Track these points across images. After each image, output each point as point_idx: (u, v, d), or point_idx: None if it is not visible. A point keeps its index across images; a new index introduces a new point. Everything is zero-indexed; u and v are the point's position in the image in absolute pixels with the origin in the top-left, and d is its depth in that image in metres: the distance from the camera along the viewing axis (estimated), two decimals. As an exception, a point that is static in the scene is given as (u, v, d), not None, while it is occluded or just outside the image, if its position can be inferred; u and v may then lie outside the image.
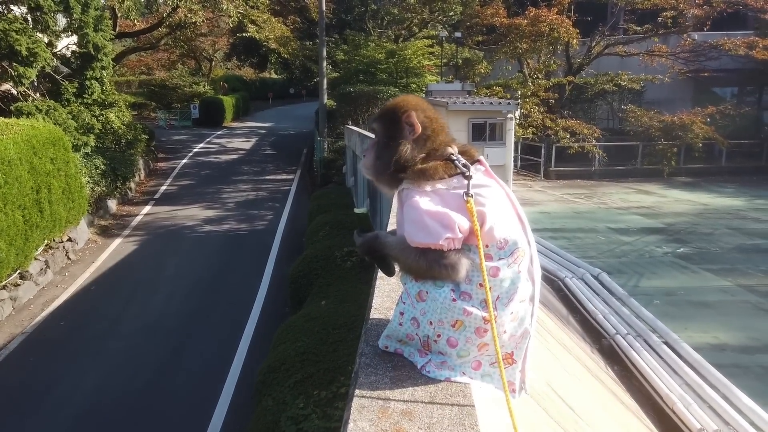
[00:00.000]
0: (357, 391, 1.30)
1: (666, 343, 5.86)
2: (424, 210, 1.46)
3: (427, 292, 1.50)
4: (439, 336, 1.48)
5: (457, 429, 1.20)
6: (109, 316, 9.37)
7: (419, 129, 1.58)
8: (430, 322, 1.49)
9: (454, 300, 1.46)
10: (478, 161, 1.58)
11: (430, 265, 1.46)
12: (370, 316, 1.74)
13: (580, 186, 19.10)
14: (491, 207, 1.47)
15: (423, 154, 1.57)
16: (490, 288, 1.43)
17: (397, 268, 1.62)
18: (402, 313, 1.56)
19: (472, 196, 1.45)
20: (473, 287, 1.47)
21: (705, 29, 22.37)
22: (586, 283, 7.77)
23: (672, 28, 22.00)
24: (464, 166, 1.51)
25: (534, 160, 21.38)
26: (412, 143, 1.58)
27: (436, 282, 1.49)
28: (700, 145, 20.86)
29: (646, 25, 22.28)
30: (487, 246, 1.46)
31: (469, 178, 1.48)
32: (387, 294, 1.90)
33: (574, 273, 8.11)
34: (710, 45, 22.45)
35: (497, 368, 1.48)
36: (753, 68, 22.98)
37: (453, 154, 1.55)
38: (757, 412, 4.51)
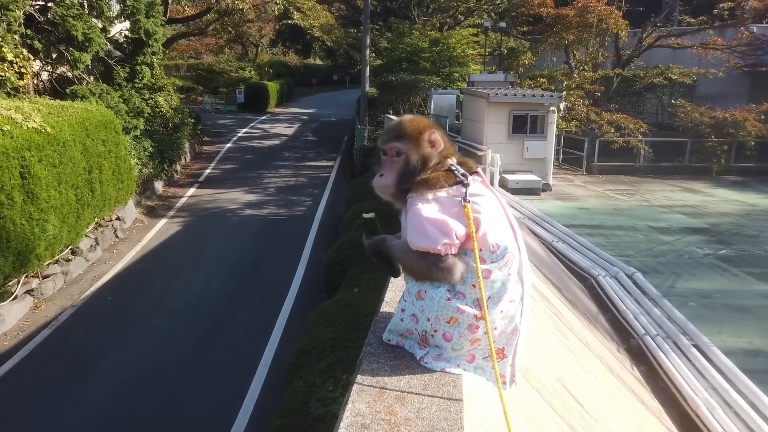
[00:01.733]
0: (359, 377, 1.47)
1: (696, 345, 5.82)
2: (425, 217, 1.61)
3: (425, 292, 1.65)
4: (435, 331, 1.64)
5: (443, 414, 1.34)
6: (153, 293, 9.76)
7: (441, 144, 1.72)
8: (428, 319, 1.64)
9: (449, 299, 1.61)
10: (476, 172, 1.73)
11: (428, 267, 1.61)
12: (381, 309, 1.90)
13: (623, 182, 18.71)
14: (486, 214, 1.62)
15: (435, 167, 1.73)
16: (484, 288, 1.57)
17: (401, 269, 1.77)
18: (403, 310, 1.72)
19: (469, 202, 1.60)
20: (467, 288, 1.62)
21: (764, 22, 21.47)
22: (619, 282, 7.73)
23: (729, 20, 21.19)
24: (463, 175, 1.67)
25: (576, 154, 21.03)
26: (429, 158, 1.73)
27: (433, 282, 1.64)
28: (753, 143, 20.11)
29: (701, 17, 21.52)
30: (480, 250, 1.61)
31: (467, 186, 1.64)
32: (399, 289, 2.04)
33: (608, 271, 8.06)
34: (769, 39, 21.55)
35: (490, 362, 1.63)
36: (815, 64, 21.97)
37: (453, 165, 1.71)
38: (783, 420, 4.47)
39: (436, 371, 1.61)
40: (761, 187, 18.36)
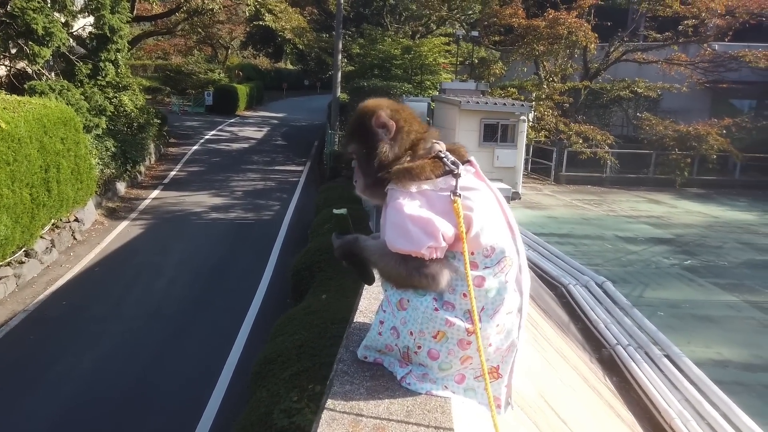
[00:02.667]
0: (329, 402, 1.23)
1: (667, 356, 5.78)
2: (407, 214, 1.38)
3: (408, 301, 1.42)
4: (419, 347, 1.41)
5: (430, 449, 1.14)
6: (112, 298, 9.37)
7: (393, 125, 1.49)
8: (411, 333, 1.41)
9: (436, 309, 1.39)
10: (469, 162, 1.50)
11: (410, 273, 1.39)
12: (354, 320, 1.68)
13: (590, 192, 18.94)
14: (479, 211, 1.40)
15: (408, 151, 1.49)
16: (474, 298, 1.36)
17: (378, 275, 1.55)
18: (382, 322, 1.48)
19: (459, 196, 1.37)
20: (457, 297, 1.39)
21: (726, 40, 22.07)
22: (589, 291, 7.69)
23: (692, 37, 21.74)
24: (453, 164, 1.43)
25: (545, 164, 21.22)
26: (389, 143, 1.49)
27: (417, 290, 1.42)
28: (715, 156, 20.61)
29: (667, 33, 22.03)
30: (472, 253, 1.39)
31: (457, 176, 1.40)
32: (375, 296, 1.83)
33: (578, 280, 8.01)
34: (731, 56, 22.16)
35: (482, 382, 1.42)
36: (773, 81, 22.70)
37: (441, 152, 1.47)
38: (755, 433, 4.43)
39: (420, 394, 1.38)
40: (722, 199, 18.80)
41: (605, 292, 7.66)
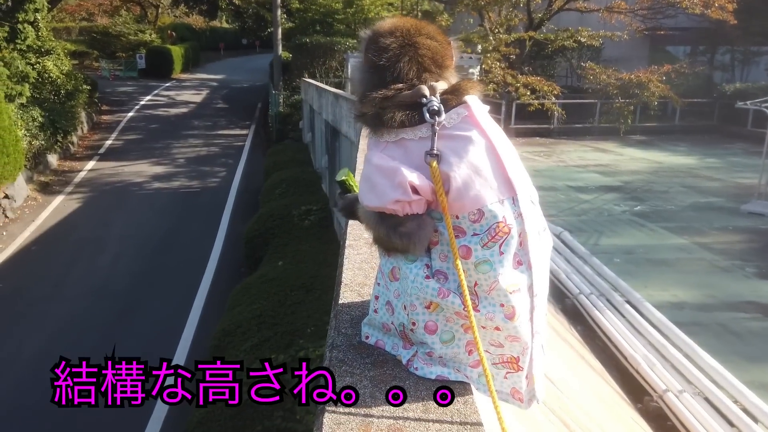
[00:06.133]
0: None
1: (629, 302, 5.84)
2: (375, 165, 1.19)
3: (399, 269, 1.22)
4: (414, 324, 1.20)
5: (463, 454, 0.93)
6: (52, 277, 8.86)
7: (364, 48, 1.34)
8: (404, 307, 1.21)
9: (427, 277, 1.18)
10: (463, 103, 1.21)
11: (387, 233, 1.19)
12: (340, 295, 1.43)
13: (539, 144, 19.10)
14: (463, 167, 1.15)
15: (387, 93, 1.22)
16: (464, 272, 1.14)
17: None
18: (377, 297, 1.28)
19: (437, 154, 1.15)
20: (450, 266, 1.18)
21: (664, -14, 22.30)
22: (548, 242, 7.70)
23: (632, -17, 21.85)
24: (433, 113, 1.16)
25: (494, 117, 21.19)
26: (364, 71, 1.32)
27: (407, 256, 1.21)
28: (656, 103, 21.06)
29: (607, -20, 22.05)
30: (457, 217, 1.16)
31: (434, 132, 1.16)
32: (359, 266, 1.59)
33: (536, 231, 8.01)
34: (668, 2, 22.43)
35: (501, 369, 1.21)
36: (707, 27, 23.22)
37: (425, 96, 1.19)
38: (719, 371, 4.52)
39: (431, 379, 1.17)
40: (664, 145, 19.32)
41: (563, 242, 7.71)
